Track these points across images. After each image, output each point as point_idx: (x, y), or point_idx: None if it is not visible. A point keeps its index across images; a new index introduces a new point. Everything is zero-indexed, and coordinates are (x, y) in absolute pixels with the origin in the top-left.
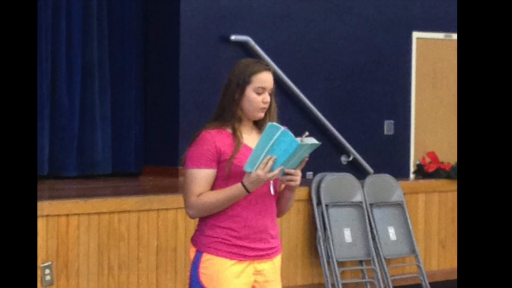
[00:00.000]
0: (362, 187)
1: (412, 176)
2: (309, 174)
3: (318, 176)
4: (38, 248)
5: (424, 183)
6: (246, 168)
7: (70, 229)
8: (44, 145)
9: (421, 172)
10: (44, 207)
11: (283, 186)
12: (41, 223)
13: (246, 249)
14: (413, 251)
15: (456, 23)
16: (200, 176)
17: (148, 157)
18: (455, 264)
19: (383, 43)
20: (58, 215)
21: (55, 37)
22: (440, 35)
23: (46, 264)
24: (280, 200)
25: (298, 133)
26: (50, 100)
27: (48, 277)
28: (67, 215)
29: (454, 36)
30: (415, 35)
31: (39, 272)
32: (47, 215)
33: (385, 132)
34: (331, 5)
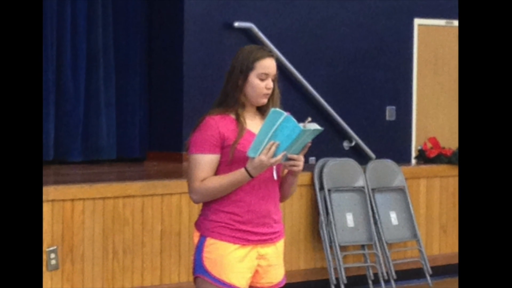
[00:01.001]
0: (364, 172)
1: (413, 161)
2: (312, 159)
3: (321, 161)
4: (44, 233)
5: (426, 168)
6: (250, 153)
7: (75, 213)
8: (49, 131)
9: (422, 157)
10: (49, 192)
11: (286, 171)
12: (46, 208)
13: (249, 234)
14: (414, 235)
15: (457, 10)
16: (204, 162)
17: (153, 142)
18: (456, 249)
19: (385, 30)
20: (63, 200)
21: (61, 23)
22: (441, 22)
23: (51, 248)
24: (283, 185)
25: (300, 118)
26: (56, 86)
27: (53, 261)
28: (72, 200)
29: (455, 22)
30: (417, 21)
31: (44, 257)
32: (53, 200)
33: (387, 118)
34: None
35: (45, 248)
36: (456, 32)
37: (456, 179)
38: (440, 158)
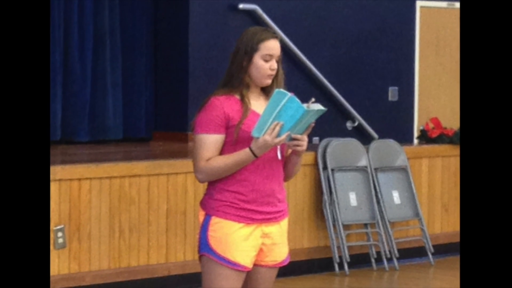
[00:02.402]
0: (367, 152)
1: (415, 141)
2: (315, 139)
3: (324, 141)
4: (51, 212)
5: (428, 148)
6: (254, 133)
7: (82, 193)
8: (56, 111)
9: (424, 137)
10: (56, 171)
11: (290, 151)
12: (53, 187)
13: (254, 213)
14: (416, 214)
15: None
16: (209, 141)
17: (158, 122)
18: (457, 227)
19: (387, 12)
20: (70, 180)
21: (68, 5)
22: (443, 4)
23: (58, 227)
24: (287, 165)
25: (304, 99)
26: (63, 67)
27: (60, 240)
28: (79, 179)
29: (457, 4)
30: (419, 3)
31: (51, 235)
32: (60, 180)
33: (390, 98)
34: None
35: (52, 227)
36: (457, 14)
37: (458, 158)
38: (442, 138)
